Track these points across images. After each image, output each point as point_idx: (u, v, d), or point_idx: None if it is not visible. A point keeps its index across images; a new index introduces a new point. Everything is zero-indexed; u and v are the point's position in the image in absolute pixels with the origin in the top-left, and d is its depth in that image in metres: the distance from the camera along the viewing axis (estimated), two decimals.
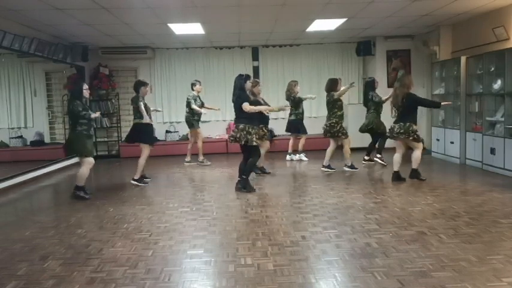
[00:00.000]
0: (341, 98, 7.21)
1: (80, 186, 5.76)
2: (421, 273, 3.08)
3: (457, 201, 5.13)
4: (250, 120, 5.78)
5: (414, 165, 6.37)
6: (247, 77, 5.94)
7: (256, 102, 6.50)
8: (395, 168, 6.35)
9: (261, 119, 6.51)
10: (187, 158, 8.64)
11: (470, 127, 7.62)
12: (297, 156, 8.64)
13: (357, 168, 7.30)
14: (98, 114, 5.79)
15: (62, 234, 4.27)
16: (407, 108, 6.16)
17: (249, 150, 5.89)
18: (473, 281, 2.92)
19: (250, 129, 5.74)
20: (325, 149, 7.49)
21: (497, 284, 2.90)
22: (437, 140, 8.55)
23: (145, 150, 6.57)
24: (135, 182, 6.59)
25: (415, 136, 6.16)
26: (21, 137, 8.41)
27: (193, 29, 7.93)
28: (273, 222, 4.46)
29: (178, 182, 6.95)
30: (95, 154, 9.83)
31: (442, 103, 6.50)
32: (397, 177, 6.32)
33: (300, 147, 8.56)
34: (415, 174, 6.39)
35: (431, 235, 3.89)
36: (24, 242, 4.04)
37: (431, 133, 8.88)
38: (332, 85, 7.20)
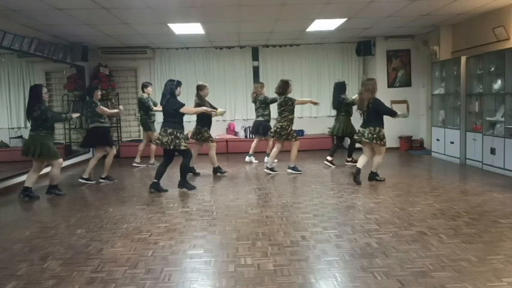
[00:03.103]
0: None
1: (53, 186, 6.11)
2: (421, 273, 3.08)
3: (457, 201, 5.13)
4: (179, 124, 5.91)
5: (374, 169, 6.33)
6: (179, 83, 6.07)
7: (201, 106, 6.66)
8: (359, 165, 6.29)
9: (205, 122, 6.80)
10: (137, 160, 8.62)
11: (470, 127, 7.61)
12: (264, 159, 8.54)
13: (300, 171, 7.25)
14: (77, 114, 5.92)
15: (62, 234, 4.27)
16: (373, 113, 6.11)
17: (181, 154, 6.01)
18: (474, 281, 2.92)
19: (178, 134, 5.86)
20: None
21: (498, 284, 2.90)
22: (437, 140, 8.54)
23: (100, 152, 7.03)
24: (103, 180, 7.05)
25: (380, 141, 6.10)
26: (21, 137, 8.38)
27: (193, 29, 7.93)
28: (273, 222, 4.46)
29: (178, 182, 6.93)
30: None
31: (398, 113, 6.25)
32: (357, 173, 6.25)
33: (268, 149, 8.45)
34: (373, 176, 6.35)
35: (432, 235, 3.89)
36: (24, 242, 4.03)
37: (432, 133, 8.88)
38: (284, 87, 7.11)
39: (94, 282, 3.08)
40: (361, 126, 6.29)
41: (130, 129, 10.64)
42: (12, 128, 8.31)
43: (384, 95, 7.78)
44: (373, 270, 3.15)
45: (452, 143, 8.00)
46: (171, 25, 7.57)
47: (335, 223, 4.35)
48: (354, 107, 7.49)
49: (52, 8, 6.07)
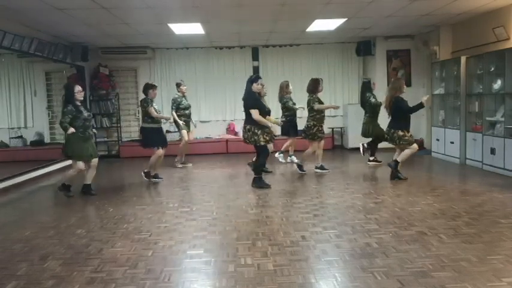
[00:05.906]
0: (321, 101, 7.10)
1: (66, 185, 5.92)
2: (421, 273, 3.08)
3: (457, 201, 5.13)
4: (255, 121, 5.92)
5: (399, 158, 6.36)
6: (256, 78, 6.11)
7: (261, 105, 6.55)
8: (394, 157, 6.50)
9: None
10: (183, 159, 8.54)
11: (470, 127, 7.61)
12: (277, 154, 8.41)
13: (304, 171, 7.19)
14: (71, 131, 5.56)
15: (62, 234, 4.27)
16: (395, 112, 6.24)
17: (257, 150, 6.10)
18: (474, 281, 2.92)
19: (256, 130, 5.90)
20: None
21: (498, 284, 2.90)
22: (437, 140, 8.54)
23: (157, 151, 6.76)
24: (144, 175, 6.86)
25: (402, 142, 6.20)
26: (21, 137, 8.40)
27: (193, 29, 7.93)
28: (273, 222, 4.46)
29: (178, 182, 6.95)
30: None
31: (423, 99, 6.20)
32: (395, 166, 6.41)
33: (284, 147, 8.33)
34: (396, 174, 6.37)
35: (432, 235, 3.89)
36: (24, 242, 4.03)
37: (431, 133, 8.88)
38: (314, 85, 7.07)
39: (94, 282, 3.08)
40: (387, 126, 6.45)
41: (131, 129, 10.63)
42: (12, 128, 8.33)
43: (384, 95, 7.77)
44: (373, 270, 3.15)
45: (452, 143, 8.00)
46: (171, 25, 7.57)
47: (335, 223, 4.35)
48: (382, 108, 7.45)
49: (52, 8, 6.06)
